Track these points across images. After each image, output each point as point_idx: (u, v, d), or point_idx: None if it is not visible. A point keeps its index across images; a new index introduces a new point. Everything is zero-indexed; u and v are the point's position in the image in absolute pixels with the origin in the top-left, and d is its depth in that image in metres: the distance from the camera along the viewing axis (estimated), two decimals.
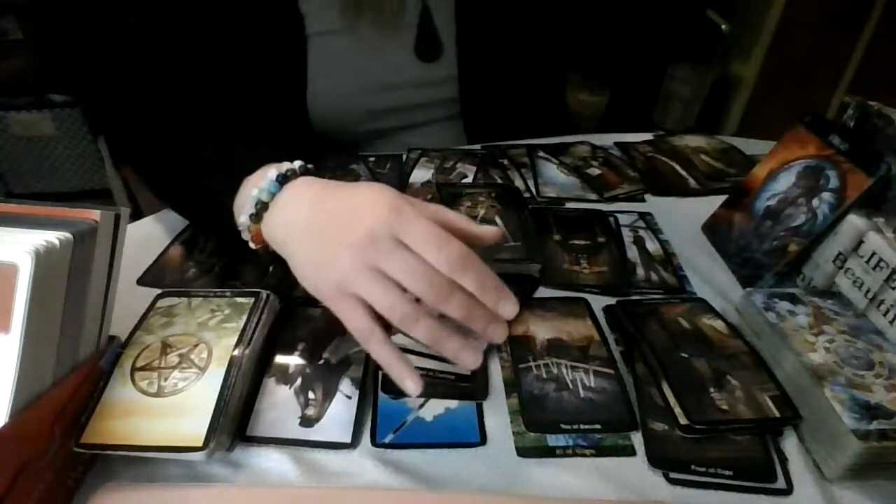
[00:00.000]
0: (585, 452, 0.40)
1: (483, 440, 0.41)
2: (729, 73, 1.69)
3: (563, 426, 0.41)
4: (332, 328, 0.47)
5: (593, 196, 0.67)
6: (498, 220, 0.58)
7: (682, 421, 0.40)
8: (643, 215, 0.64)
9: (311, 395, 0.43)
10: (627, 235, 0.61)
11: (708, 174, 0.71)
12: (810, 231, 0.50)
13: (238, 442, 0.40)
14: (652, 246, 0.59)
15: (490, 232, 0.43)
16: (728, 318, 0.49)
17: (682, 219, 0.63)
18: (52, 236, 0.33)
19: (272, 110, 0.68)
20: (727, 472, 0.38)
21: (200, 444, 0.36)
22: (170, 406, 0.38)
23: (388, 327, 0.40)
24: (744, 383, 0.42)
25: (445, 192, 0.63)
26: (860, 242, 0.47)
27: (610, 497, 0.38)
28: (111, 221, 0.37)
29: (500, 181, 0.68)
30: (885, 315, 0.45)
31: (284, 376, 0.44)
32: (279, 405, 0.42)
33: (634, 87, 1.68)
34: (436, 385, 0.43)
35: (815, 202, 0.51)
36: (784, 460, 0.39)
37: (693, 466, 0.39)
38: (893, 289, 0.44)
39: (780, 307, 0.46)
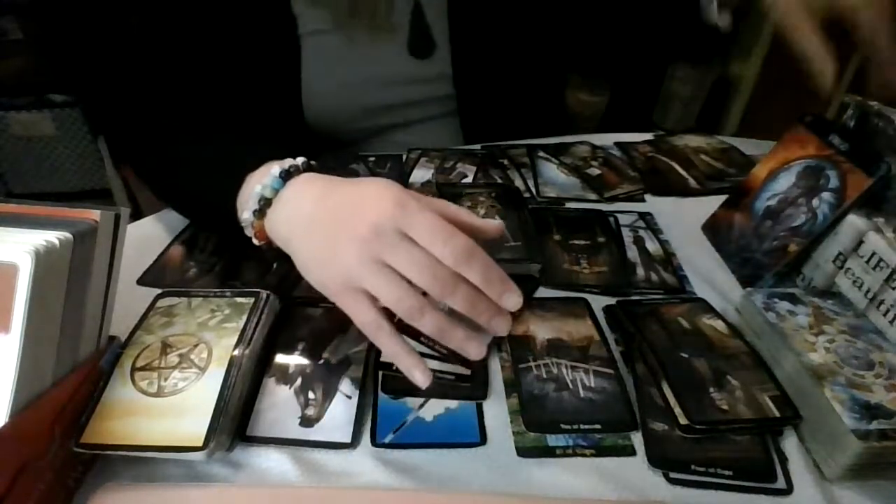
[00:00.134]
0: (585, 452, 0.40)
1: (483, 440, 0.41)
2: (729, 73, 1.69)
3: (563, 426, 0.41)
4: (333, 328, 0.47)
5: (593, 196, 0.67)
6: (498, 220, 0.57)
7: (682, 421, 0.40)
8: (643, 215, 0.64)
9: (311, 395, 0.43)
10: (627, 235, 0.61)
11: (708, 174, 0.71)
12: (810, 231, 0.50)
13: (238, 442, 0.40)
14: (652, 246, 0.59)
15: (492, 225, 0.44)
16: (728, 318, 0.49)
17: (682, 219, 0.63)
18: (52, 236, 0.33)
19: (268, 110, 0.68)
20: (727, 472, 0.38)
21: (200, 444, 0.36)
22: (170, 406, 0.38)
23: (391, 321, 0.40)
24: (744, 383, 0.42)
25: (445, 192, 0.63)
26: (860, 242, 0.47)
27: (610, 497, 0.38)
28: (111, 221, 0.37)
29: (500, 181, 0.68)
30: (885, 315, 0.45)
31: (284, 376, 0.44)
32: (279, 405, 0.42)
33: (634, 87, 1.68)
34: (436, 385, 0.43)
35: (815, 202, 0.51)
36: (784, 460, 0.39)
37: (693, 466, 0.39)
38: (893, 289, 0.44)
39: (780, 307, 0.46)
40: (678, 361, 0.44)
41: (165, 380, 0.40)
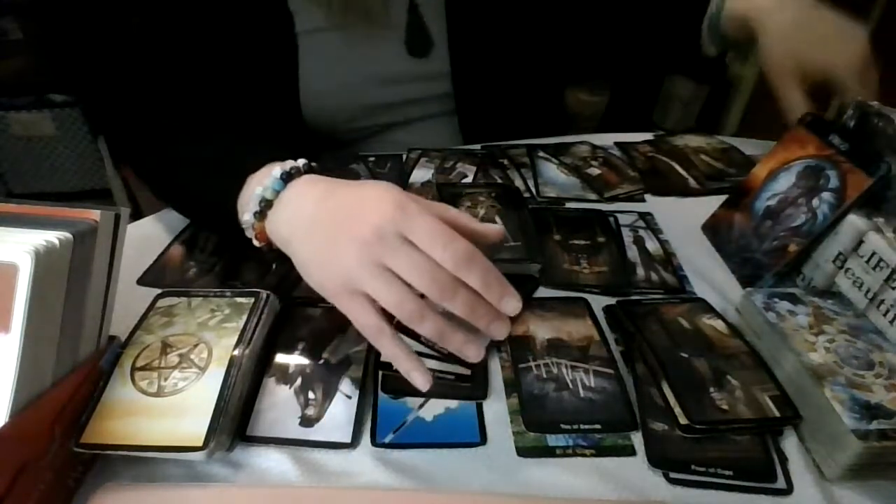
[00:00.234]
0: (585, 452, 0.40)
1: (483, 440, 0.41)
2: (729, 73, 1.69)
3: (563, 426, 0.41)
4: (333, 328, 0.47)
5: (593, 196, 0.67)
6: (498, 220, 0.58)
7: (682, 421, 0.40)
8: (643, 215, 0.64)
9: (311, 395, 0.43)
10: (627, 235, 0.61)
11: (708, 174, 0.71)
12: (810, 231, 0.50)
13: (238, 442, 0.40)
14: (652, 246, 0.59)
15: (493, 230, 0.44)
16: (728, 318, 0.49)
17: (682, 219, 0.63)
18: (52, 236, 0.33)
19: (266, 109, 0.68)
20: (727, 472, 0.38)
21: (200, 443, 0.36)
22: (170, 406, 0.38)
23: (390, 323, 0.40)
24: (744, 383, 0.42)
25: (445, 192, 0.63)
26: (860, 242, 0.47)
27: (610, 497, 0.38)
28: (111, 221, 0.37)
29: (500, 181, 0.68)
30: (885, 315, 0.45)
31: (284, 376, 0.44)
32: (279, 405, 0.42)
33: (634, 87, 1.68)
34: (436, 385, 0.43)
35: (815, 202, 0.51)
36: (784, 460, 0.39)
37: (693, 466, 0.39)
38: (893, 289, 0.44)
39: (780, 307, 0.46)
40: (678, 361, 0.44)
41: (165, 380, 0.40)
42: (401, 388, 0.43)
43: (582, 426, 0.41)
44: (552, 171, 0.71)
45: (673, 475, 0.38)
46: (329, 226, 0.41)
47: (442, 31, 0.72)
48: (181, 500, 0.36)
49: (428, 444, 0.40)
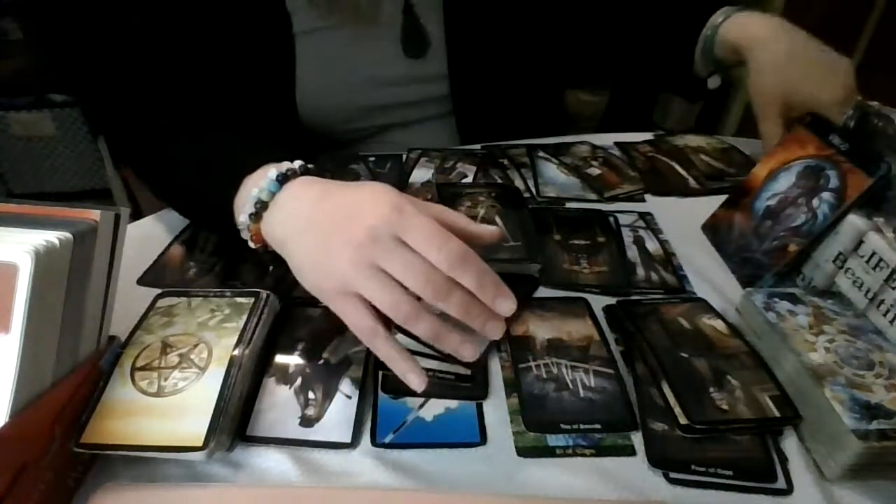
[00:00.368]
0: (585, 452, 0.40)
1: (483, 440, 0.41)
2: (729, 73, 1.69)
3: (563, 426, 0.41)
4: (332, 328, 0.47)
5: (593, 196, 0.67)
6: (498, 220, 0.58)
7: (682, 421, 0.40)
8: (643, 215, 0.64)
9: (311, 395, 0.43)
10: (627, 235, 0.61)
11: (708, 174, 0.71)
12: (810, 231, 0.50)
13: (238, 442, 0.40)
14: (652, 246, 0.59)
15: (489, 231, 0.44)
16: (728, 318, 0.49)
17: (682, 219, 0.63)
18: (52, 236, 0.33)
19: (263, 109, 0.68)
20: (727, 472, 0.38)
21: (200, 443, 0.36)
22: (170, 406, 0.38)
23: (387, 324, 0.40)
24: (744, 383, 0.42)
25: (445, 192, 0.63)
26: (860, 242, 0.47)
27: (610, 497, 0.38)
28: (111, 221, 0.37)
29: (500, 181, 0.68)
30: (885, 315, 0.45)
31: (284, 376, 0.44)
32: (279, 405, 0.42)
33: (634, 87, 1.68)
34: (436, 385, 0.43)
35: (815, 202, 0.51)
36: (784, 460, 0.39)
37: (693, 466, 0.39)
38: (893, 289, 0.44)
39: (780, 307, 0.46)
40: (678, 361, 0.44)
41: (165, 380, 0.40)
42: (401, 388, 0.43)
43: (582, 426, 0.41)
44: (552, 171, 0.71)
45: (673, 475, 0.38)
46: (324, 228, 0.41)
47: (440, 34, 0.72)
48: (181, 500, 0.36)
49: (428, 444, 0.40)
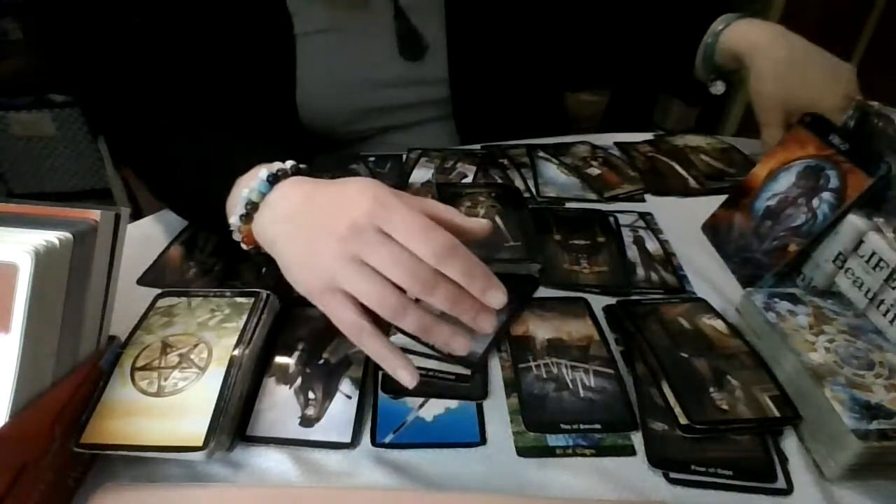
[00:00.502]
0: (585, 452, 0.40)
1: (483, 440, 0.41)
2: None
3: (563, 426, 0.41)
4: (332, 328, 0.47)
5: (593, 196, 0.67)
6: (498, 219, 0.58)
7: (683, 421, 0.40)
8: (643, 215, 0.64)
9: (311, 395, 0.43)
10: (627, 235, 0.61)
11: (708, 174, 0.71)
12: (810, 231, 0.50)
13: (238, 442, 0.40)
14: (652, 246, 0.59)
15: (479, 224, 0.41)
16: (728, 318, 0.49)
17: (682, 219, 0.63)
18: (52, 236, 0.33)
19: (264, 110, 0.68)
20: (727, 472, 0.38)
21: (200, 443, 0.36)
22: (170, 406, 0.38)
23: (377, 322, 0.39)
24: (744, 383, 0.42)
25: (445, 192, 0.63)
26: (860, 242, 0.47)
27: (610, 497, 0.38)
28: (111, 221, 0.37)
29: (500, 181, 0.68)
30: (885, 315, 0.45)
31: (284, 376, 0.44)
32: (279, 405, 0.42)
33: (634, 88, 1.68)
34: (436, 385, 0.43)
35: (815, 202, 0.51)
36: (784, 460, 0.39)
37: (693, 466, 0.39)
38: (893, 289, 0.44)
39: (780, 307, 0.46)
40: (678, 361, 0.44)
41: (165, 380, 0.40)
42: (401, 388, 0.42)
43: (582, 426, 0.41)
44: (552, 171, 0.71)
45: (673, 475, 0.38)
46: (309, 225, 0.40)
47: (441, 37, 0.72)
48: (181, 500, 0.36)
49: (428, 444, 0.40)
